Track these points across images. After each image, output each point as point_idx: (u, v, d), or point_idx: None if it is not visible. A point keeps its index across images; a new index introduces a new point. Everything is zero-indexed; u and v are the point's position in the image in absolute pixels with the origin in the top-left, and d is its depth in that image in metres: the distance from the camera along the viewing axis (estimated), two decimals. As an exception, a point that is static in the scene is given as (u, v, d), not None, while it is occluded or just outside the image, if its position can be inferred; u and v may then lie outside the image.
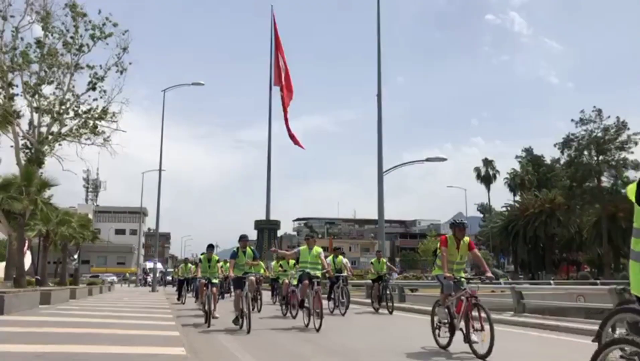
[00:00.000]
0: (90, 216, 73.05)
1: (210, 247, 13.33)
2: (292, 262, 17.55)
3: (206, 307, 11.69)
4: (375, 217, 23.39)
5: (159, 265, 62.68)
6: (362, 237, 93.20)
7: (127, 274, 62.36)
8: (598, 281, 36.60)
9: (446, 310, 7.58)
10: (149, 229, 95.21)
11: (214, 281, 12.49)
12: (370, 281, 16.94)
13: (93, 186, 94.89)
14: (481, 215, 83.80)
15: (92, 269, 71.31)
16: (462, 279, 7.79)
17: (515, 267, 65.68)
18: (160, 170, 39.42)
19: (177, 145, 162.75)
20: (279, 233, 67.00)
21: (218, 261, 13.24)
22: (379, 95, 21.95)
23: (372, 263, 16.48)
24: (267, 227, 44.07)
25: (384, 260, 16.35)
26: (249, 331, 9.57)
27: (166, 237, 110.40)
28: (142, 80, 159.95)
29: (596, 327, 5.26)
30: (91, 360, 6.09)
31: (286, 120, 24.19)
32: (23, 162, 22.95)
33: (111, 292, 33.43)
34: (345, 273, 15.43)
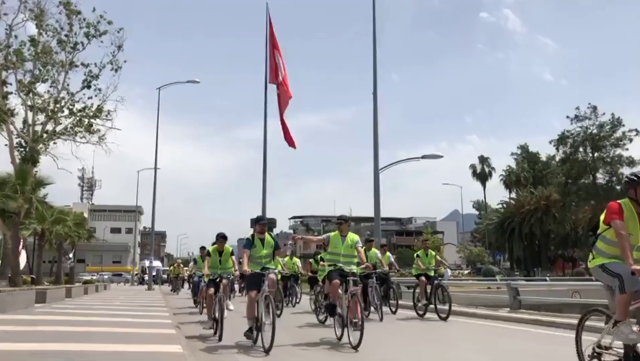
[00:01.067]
0: (86, 215, 72.84)
1: (223, 237, 10.14)
2: (295, 259, 17.54)
3: (216, 314, 9.12)
4: (371, 214, 23.33)
5: (159, 263, 62.54)
6: (358, 235, 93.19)
7: (130, 273, 62.15)
8: (593, 277, 36.75)
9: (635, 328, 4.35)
10: (144, 228, 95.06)
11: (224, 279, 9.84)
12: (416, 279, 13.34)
13: (88, 185, 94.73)
14: (477, 212, 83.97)
15: (87, 268, 71.16)
16: None
17: (511, 264, 65.84)
18: (155, 168, 39.30)
19: (173, 144, 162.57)
20: (275, 231, 66.94)
21: (232, 254, 10.27)
22: (374, 94, 21.93)
23: (418, 255, 13.34)
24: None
25: (433, 253, 13.45)
26: (268, 351, 7.05)
27: (162, 236, 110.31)
28: (137, 79, 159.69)
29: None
30: (87, 358, 6.07)
31: (282, 118, 24.14)
32: (18, 161, 22.87)
33: (107, 291, 33.36)
34: (384, 269, 13.66)
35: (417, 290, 13.09)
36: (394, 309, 13.69)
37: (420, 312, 12.84)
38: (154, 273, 53.55)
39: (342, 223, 8.91)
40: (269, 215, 35.98)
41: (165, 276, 48.57)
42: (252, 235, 8.34)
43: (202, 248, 12.82)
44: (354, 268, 8.38)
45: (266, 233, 8.44)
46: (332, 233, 8.93)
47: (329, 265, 8.63)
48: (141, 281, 53.74)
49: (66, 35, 24.21)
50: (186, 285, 28.83)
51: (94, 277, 52.03)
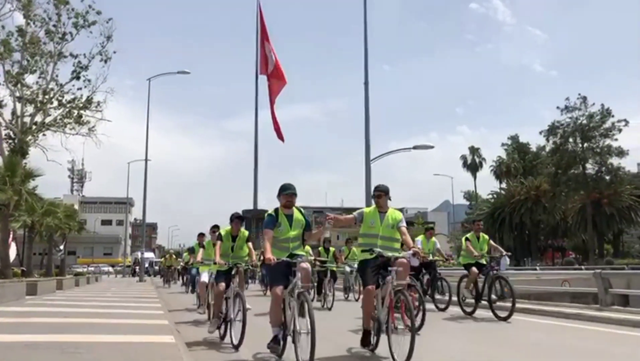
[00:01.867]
0: (76, 207, 72.42)
1: (238, 218, 8.26)
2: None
3: (230, 314, 7.35)
4: (362, 205, 23.41)
5: (151, 255, 62.38)
6: (349, 226, 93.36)
7: (122, 265, 61.94)
8: (583, 266, 37.09)
9: None
10: (135, 219, 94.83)
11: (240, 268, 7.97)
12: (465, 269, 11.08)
13: (78, 176, 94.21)
14: (468, 203, 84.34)
15: (78, 260, 70.94)
16: None
17: (502, 254, 66.22)
18: (146, 160, 39.18)
19: (163, 135, 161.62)
20: (267, 222, 66.79)
21: (249, 240, 8.31)
22: (366, 84, 21.94)
23: (467, 239, 11.08)
24: (254, 217, 44.07)
25: (486, 237, 11.27)
26: None
27: (153, 227, 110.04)
28: (127, 69, 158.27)
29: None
30: (79, 348, 6.07)
31: (272, 110, 24.10)
32: (6, 152, 22.68)
33: (99, 283, 33.29)
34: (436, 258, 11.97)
35: (464, 283, 10.93)
36: (442, 306, 11.83)
37: (468, 310, 10.71)
38: (147, 265, 53.52)
39: (382, 195, 6.56)
40: (260, 207, 35.96)
41: (157, 268, 48.40)
42: (276, 210, 6.16)
43: (215, 227, 10.06)
44: (398, 254, 6.31)
45: (294, 208, 6.26)
46: (366, 209, 6.71)
47: (363, 251, 6.43)
48: (133, 273, 53.63)
49: (54, 26, 23.95)
50: (181, 278, 27.25)
51: (89, 269, 51.92)
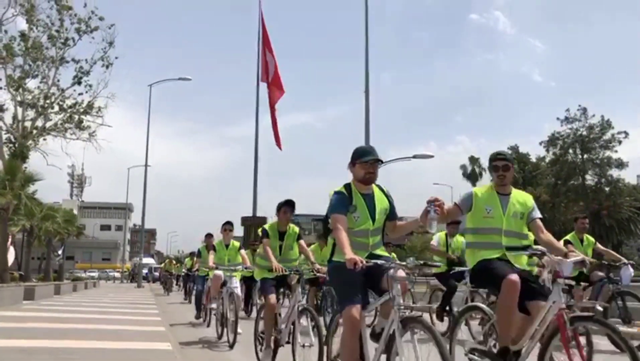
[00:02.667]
0: (75, 211, 72.28)
1: (288, 205, 6.37)
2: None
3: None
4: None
5: (152, 260, 62.14)
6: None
7: (120, 270, 61.66)
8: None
9: None
10: (134, 225, 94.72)
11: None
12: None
13: (78, 181, 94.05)
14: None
15: (77, 265, 70.81)
16: None
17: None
18: (146, 165, 39.14)
19: (163, 141, 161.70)
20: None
21: (299, 238, 6.59)
22: (366, 92, 21.92)
23: (568, 242, 8.13)
24: (254, 224, 44.02)
25: (591, 239, 9.13)
26: None
27: (152, 233, 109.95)
28: (128, 75, 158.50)
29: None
30: (76, 354, 6.05)
31: (273, 117, 24.08)
32: (6, 156, 22.70)
33: (96, 288, 33.20)
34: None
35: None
36: None
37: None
38: (146, 271, 53.34)
39: (508, 166, 4.53)
40: (259, 214, 35.96)
41: (157, 274, 47.66)
42: (348, 186, 4.16)
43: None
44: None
45: (374, 186, 4.28)
46: (477, 189, 4.68)
47: (480, 250, 4.34)
48: (132, 279, 53.49)
49: (57, 31, 24.05)
50: (182, 286, 23.76)
51: (97, 274, 51.84)
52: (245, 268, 8.53)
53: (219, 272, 8.53)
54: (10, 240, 24.42)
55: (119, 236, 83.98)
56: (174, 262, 33.30)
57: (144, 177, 38.87)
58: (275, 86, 24.60)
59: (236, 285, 8.38)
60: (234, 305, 7.76)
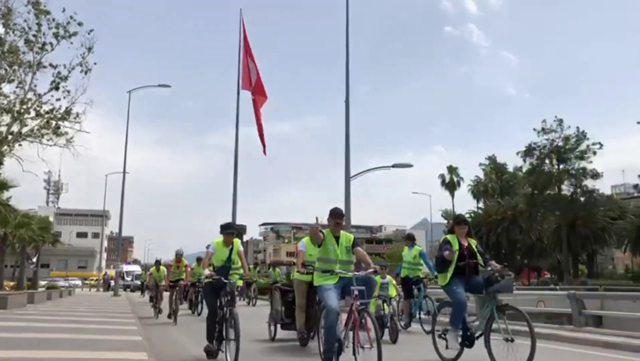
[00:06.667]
0: (51, 218, 71.05)
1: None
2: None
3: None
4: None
5: (137, 268, 60.94)
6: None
7: (98, 278, 60.36)
8: (557, 287, 37.48)
9: None
10: (111, 232, 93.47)
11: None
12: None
13: (54, 188, 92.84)
14: (445, 221, 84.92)
15: (52, 273, 69.58)
16: None
17: (478, 273, 66.69)
18: (124, 172, 38.70)
19: (142, 148, 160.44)
20: (245, 238, 66.51)
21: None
22: (346, 101, 22.00)
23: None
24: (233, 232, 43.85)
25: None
26: None
27: (129, 241, 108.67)
28: (107, 81, 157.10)
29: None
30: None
31: (259, 122, 24.05)
32: (-20, 162, 22.28)
33: (72, 296, 32.64)
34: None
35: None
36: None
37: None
38: (129, 278, 52.47)
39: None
40: (238, 222, 35.71)
41: (138, 282, 45.91)
42: None
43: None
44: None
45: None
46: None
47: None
48: (108, 287, 52.57)
49: (34, 36, 23.69)
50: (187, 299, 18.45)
51: (76, 282, 50.89)
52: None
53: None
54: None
55: (95, 243, 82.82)
56: (164, 268, 29.76)
57: (122, 184, 38.43)
58: (258, 92, 24.61)
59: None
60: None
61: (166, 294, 15.35)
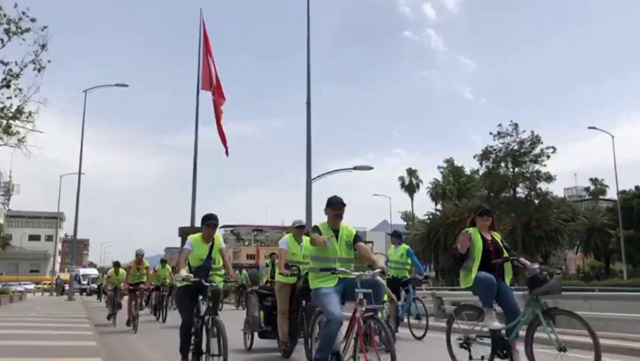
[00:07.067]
0: (1, 221, 68.85)
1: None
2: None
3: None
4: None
5: (94, 271, 59.25)
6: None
7: (52, 282, 58.54)
8: (513, 287, 38.36)
9: None
10: (66, 235, 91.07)
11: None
12: None
13: (5, 189, 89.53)
14: (405, 223, 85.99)
15: (1, 277, 67.20)
16: None
17: (437, 274, 67.77)
18: (79, 173, 37.79)
19: (98, 149, 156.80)
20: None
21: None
22: (308, 103, 22.06)
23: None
24: (191, 234, 43.39)
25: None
26: None
27: (84, 243, 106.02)
28: (62, 80, 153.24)
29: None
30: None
31: (219, 123, 23.83)
32: None
33: (23, 301, 31.61)
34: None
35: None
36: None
37: None
38: (85, 282, 51.07)
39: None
40: (198, 224, 35.33)
41: (95, 286, 44.21)
42: None
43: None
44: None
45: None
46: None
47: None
48: (62, 291, 51.09)
49: (-16, 31, 22.90)
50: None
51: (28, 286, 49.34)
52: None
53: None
54: None
55: (49, 246, 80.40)
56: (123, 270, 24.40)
57: (78, 185, 37.54)
58: (218, 93, 24.40)
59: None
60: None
61: (130, 298, 13.86)
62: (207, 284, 5.96)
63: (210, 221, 6.44)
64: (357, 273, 5.24)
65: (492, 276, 5.87)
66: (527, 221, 54.58)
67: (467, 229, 6.24)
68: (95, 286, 41.70)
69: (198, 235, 6.49)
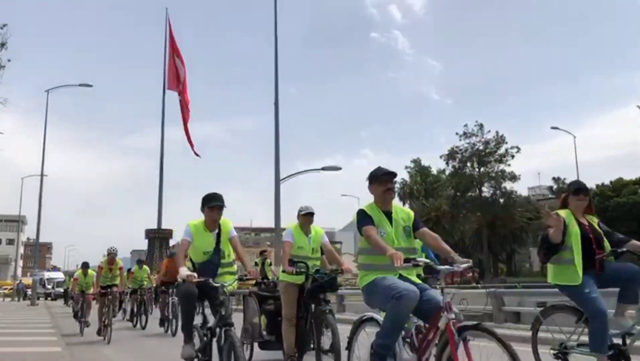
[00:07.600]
0: (-41, 225, 66.76)
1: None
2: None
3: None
4: (271, 225, 23.38)
5: (60, 274, 57.71)
6: (258, 245, 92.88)
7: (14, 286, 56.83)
8: (479, 285, 38.87)
9: None
10: (28, 238, 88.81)
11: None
12: None
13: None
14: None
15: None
16: None
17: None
18: (42, 175, 36.89)
19: (62, 150, 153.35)
20: (172, 242, 64.87)
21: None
22: (276, 104, 22.02)
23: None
24: (158, 236, 42.69)
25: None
26: None
27: (48, 247, 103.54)
28: (22, 79, 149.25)
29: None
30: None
31: (186, 126, 23.64)
32: None
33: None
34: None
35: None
36: None
37: None
38: (50, 286, 49.75)
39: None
40: (165, 226, 34.84)
41: (61, 290, 42.70)
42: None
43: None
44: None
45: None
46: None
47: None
48: (24, 296, 49.71)
49: (-59, 29, 22.18)
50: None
51: None
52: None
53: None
54: None
55: (10, 250, 78.36)
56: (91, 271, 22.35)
57: (40, 188, 36.65)
58: (185, 93, 24.17)
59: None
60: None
61: (101, 303, 11.65)
62: (217, 285, 4.65)
63: (213, 203, 4.98)
64: (441, 267, 4.29)
65: (605, 309, 4.43)
66: (492, 220, 55.54)
67: (557, 211, 4.83)
68: (62, 290, 40.58)
69: (199, 220, 5.07)
